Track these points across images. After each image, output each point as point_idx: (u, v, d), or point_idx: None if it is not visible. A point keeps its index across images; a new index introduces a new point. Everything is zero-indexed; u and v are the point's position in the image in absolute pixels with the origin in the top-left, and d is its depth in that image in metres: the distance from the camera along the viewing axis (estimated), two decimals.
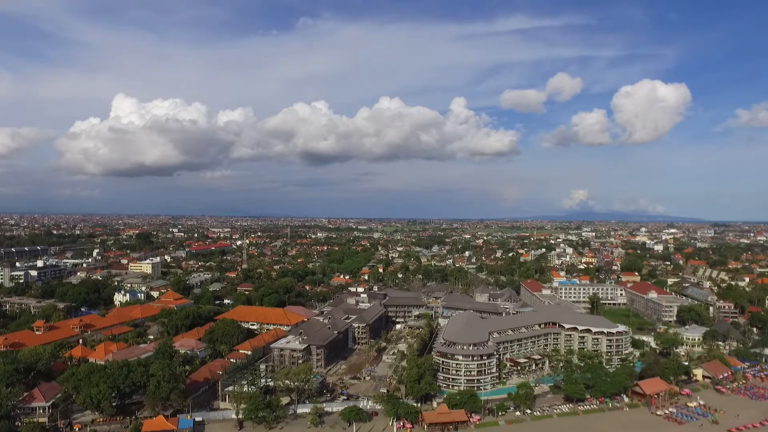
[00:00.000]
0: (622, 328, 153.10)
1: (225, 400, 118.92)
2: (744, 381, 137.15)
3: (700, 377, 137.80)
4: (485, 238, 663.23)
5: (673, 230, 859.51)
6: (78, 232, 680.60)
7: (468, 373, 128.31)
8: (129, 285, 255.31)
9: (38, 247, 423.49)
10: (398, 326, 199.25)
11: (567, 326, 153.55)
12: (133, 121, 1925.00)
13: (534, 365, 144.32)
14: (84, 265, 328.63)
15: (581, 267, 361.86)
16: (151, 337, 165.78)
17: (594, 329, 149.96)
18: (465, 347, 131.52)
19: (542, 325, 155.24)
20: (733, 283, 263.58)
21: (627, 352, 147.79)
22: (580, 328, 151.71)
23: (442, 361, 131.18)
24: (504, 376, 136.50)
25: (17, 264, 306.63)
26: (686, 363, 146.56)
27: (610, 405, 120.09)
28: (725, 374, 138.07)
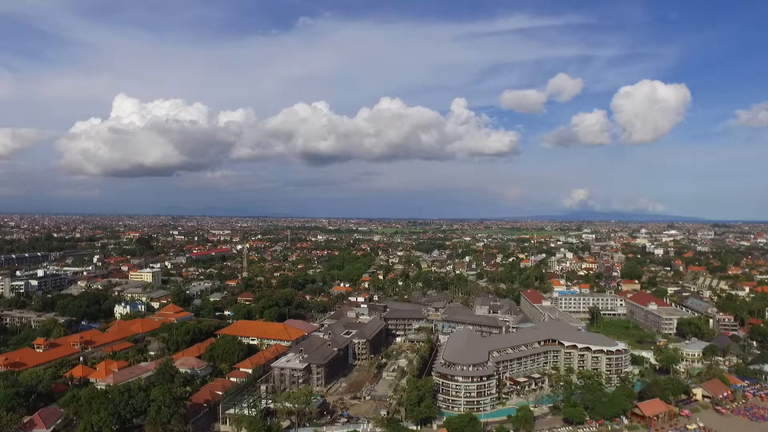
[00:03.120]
0: (621, 346, 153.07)
1: (226, 423, 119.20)
2: (744, 401, 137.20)
3: (699, 397, 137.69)
4: (485, 241, 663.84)
5: (673, 231, 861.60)
6: (78, 235, 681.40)
7: (468, 395, 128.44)
8: (129, 296, 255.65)
9: (38, 254, 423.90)
10: (398, 339, 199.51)
11: (567, 344, 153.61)
12: (133, 122, 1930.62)
13: (534, 384, 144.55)
14: (84, 273, 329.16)
15: (581, 273, 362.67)
16: (152, 353, 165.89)
17: (594, 347, 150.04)
18: (465, 368, 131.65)
19: (542, 343, 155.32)
20: (733, 292, 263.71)
21: (627, 370, 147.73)
22: (579, 346, 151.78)
23: (442, 382, 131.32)
24: (504, 395, 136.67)
25: (17, 273, 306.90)
26: (686, 380, 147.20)
27: (610, 428, 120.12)
28: (725, 393, 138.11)
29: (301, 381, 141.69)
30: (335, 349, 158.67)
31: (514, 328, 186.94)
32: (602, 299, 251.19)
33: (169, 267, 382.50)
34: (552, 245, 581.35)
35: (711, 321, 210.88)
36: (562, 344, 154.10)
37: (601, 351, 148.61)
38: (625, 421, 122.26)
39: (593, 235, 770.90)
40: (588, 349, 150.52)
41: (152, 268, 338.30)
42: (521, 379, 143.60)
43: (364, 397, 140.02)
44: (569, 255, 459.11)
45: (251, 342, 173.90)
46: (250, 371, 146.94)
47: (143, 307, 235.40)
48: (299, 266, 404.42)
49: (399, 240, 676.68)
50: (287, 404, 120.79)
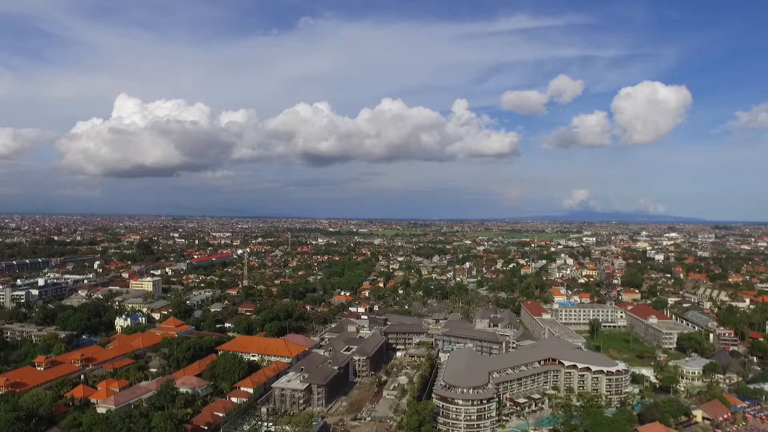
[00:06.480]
0: (621, 366, 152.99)
1: None
2: (744, 423, 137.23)
3: (699, 419, 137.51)
4: (486, 245, 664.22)
5: (673, 234, 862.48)
6: (79, 237, 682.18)
7: (468, 418, 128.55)
8: (130, 306, 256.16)
9: (39, 260, 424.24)
10: (399, 353, 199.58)
11: (567, 363, 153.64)
12: (135, 122, 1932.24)
13: (534, 405, 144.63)
14: (85, 281, 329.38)
15: (582, 281, 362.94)
16: (153, 370, 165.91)
17: (594, 368, 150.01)
18: (465, 391, 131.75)
19: (542, 362, 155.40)
20: (733, 304, 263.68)
21: (627, 391, 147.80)
22: (579, 366, 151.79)
23: (442, 405, 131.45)
24: (504, 418, 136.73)
25: (18, 281, 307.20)
26: (686, 399, 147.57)
27: None
28: (725, 416, 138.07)
29: (302, 401, 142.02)
30: (336, 367, 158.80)
31: (514, 344, 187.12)
32: (602, 311, 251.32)
33: (169, 274, 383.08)
34: (552, 249, 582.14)
35: (711, 335, 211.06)
36: (562, 364, 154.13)
37: (601, 372, 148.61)
38: None
39: (594, 238, 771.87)
40: (588, 369, 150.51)
41: (153, 276, 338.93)
42: (521, 400, 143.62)
43: (365, 419, 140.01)
44: (570, 261, 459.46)
45: (252, 358, 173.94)
46: (251, 390, 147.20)
47: (144, 318, 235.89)
48: (300, 272, 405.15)
49: (399, 244, 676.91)
50: (288, 428, 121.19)
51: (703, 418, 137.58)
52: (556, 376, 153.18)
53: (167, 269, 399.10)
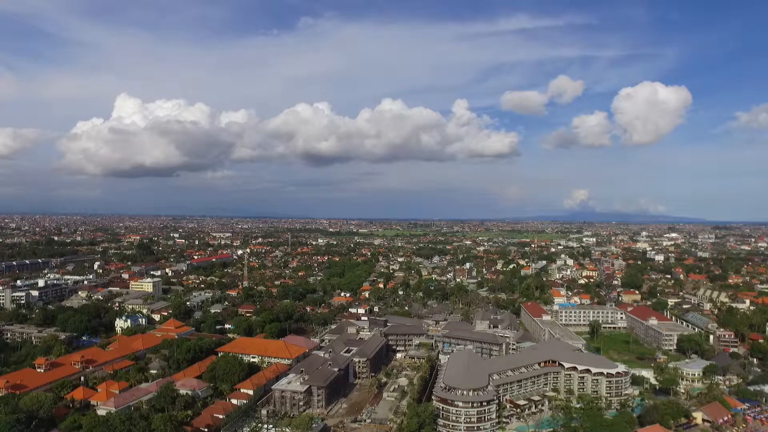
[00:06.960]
0: (622, 368, 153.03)
1: None
2: (744, 425, 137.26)
3: (699, 421, 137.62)
4: (486, 245, 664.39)
5: (673, 234, 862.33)
6: (79, 238, 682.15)
7: (468, 420, 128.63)
8: (130, 307, 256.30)
9: (39, 260, 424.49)
10: (399, 355, 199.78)
11: (567, 365, 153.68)
12: (135, 122, 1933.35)
13: (534, 406, 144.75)
14: (85, 282, 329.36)
15: (582, 282, 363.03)
16: (153, 371, 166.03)
17: (593, 369, 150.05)
18: (465, 393, 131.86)
19: (542, 364, 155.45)
20: (733, 305, 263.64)
21: (627, 392, 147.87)
22: (579, 367, 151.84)
23: (442, 407, 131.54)
24: (504, 419, 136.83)
25: (18, 282, 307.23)
26: (686, 401, 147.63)
27: None
28: (725, 418, 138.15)
29: (302, 404, 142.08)
30: (336, 369, 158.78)
31: (514, 346, 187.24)
32: (602, 312, 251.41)
33: (169, 274, 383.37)
34: (552, 250, 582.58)
35: (711, 337, 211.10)
36: (562, 365, 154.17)
37: (601, 373, 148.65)
38: None
39: (594, 239, 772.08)
40: (588, 371, 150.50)
41: (153, 277, 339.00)
42: (521, 402, 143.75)
43: (365, 420, 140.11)
44: (570, 262, 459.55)
45: (252, 360, 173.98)
46: (251, 392, 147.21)
47: (144, 320, 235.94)
48: (300, 273, 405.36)
49: (399, 244, 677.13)
50: (288, 430, 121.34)
51: (703, 420, 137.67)
52: (556, 377, 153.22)
53: (167, 270, 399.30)
